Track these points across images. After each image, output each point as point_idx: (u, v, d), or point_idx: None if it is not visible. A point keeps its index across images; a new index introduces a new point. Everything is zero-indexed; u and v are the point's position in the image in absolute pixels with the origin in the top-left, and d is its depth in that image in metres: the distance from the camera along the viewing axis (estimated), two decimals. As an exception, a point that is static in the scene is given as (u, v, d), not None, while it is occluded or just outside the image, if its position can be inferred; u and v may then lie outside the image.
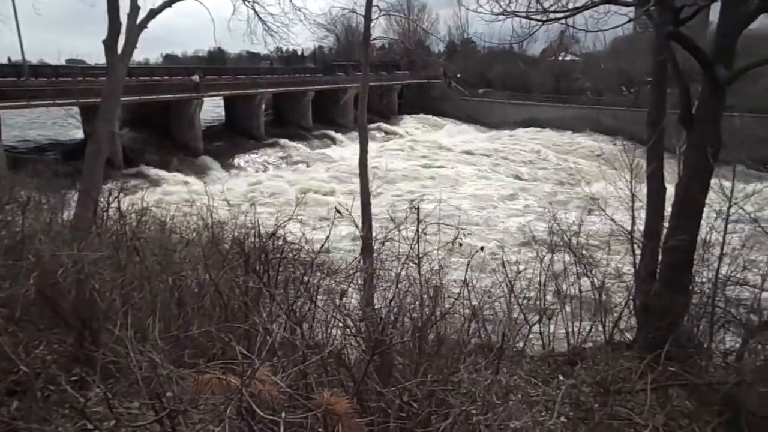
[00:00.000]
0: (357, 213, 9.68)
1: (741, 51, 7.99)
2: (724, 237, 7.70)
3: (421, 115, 59.49)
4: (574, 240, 8.30)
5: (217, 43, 72.91)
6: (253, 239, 5.32)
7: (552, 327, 7.84)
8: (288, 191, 31.23)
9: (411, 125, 56.38)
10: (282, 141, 42.95)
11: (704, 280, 8.05)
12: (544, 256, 7.84)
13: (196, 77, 38.61)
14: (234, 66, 67.21)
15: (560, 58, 63.90)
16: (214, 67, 60.17)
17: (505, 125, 55.28)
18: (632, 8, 7.58)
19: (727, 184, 7.93)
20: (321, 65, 66.45)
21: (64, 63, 50.01)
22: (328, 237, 4.98)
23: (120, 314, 3.55)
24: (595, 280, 8.09)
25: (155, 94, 34.86)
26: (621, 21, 7.74)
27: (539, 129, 53.19)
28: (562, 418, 3.56)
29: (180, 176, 32.15)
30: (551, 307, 7.54)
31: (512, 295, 6.39)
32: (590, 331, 7.96)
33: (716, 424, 5.22)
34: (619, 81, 55.27)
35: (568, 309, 8.07)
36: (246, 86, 43.91)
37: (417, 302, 3.78)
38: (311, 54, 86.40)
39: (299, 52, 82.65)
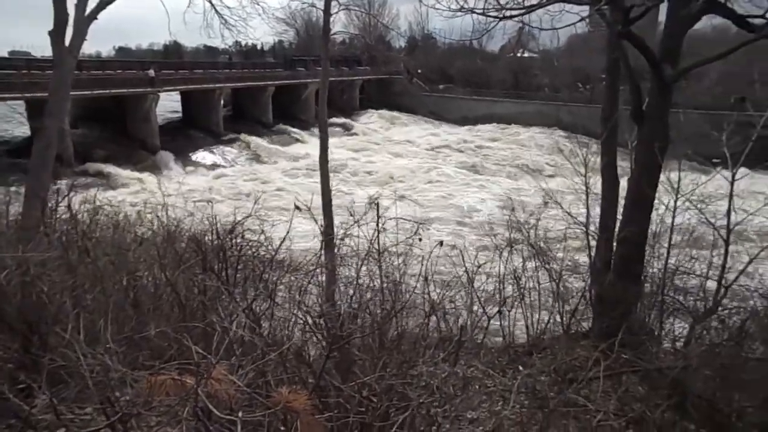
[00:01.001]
0: (319, 209, 9.65)
1: (686, 51, 8.33)
2: (671, 229, 8.03)
3: (383, 111, 59.61)
4: (532, 234, 8.48)
5: (172, 36, 70.83)
6: (210, 237, 5.22)
7: (512, 319, 8.01)
8: (247, 188, 30.78)
9: (372, 121, 56.40)
10: (242, 137, 42.27)
11: (655, 270, 8.39)
12: (503, 250, 7.98)
13: (151, 71, 37.48)
14: (191, 60, 65.53)
15: (519, 55, 65.06)
16: (171, 61, 58.45)
17: (466, 121, 56.02)
18: (585, 7, 7.78)
19: (676, 177, 8.29)
20: (281, 60, 65.59)
21: (6, 55, 47.57)
22: (287, 234, 4.94)
23: (71, 317, 3.43)
24: (553, 273, 8.30)
25: (108, 88, 33.68)
26: (575, 19, 7.97)
27: (499, 124, 54.12)
28: (518, 407, 3.65)
29: (135, 173, 31.25)
30: (510, 299, 7.69)
31: (472, 289, 6.48)
32: (548, 322, 8.17)
33: (665, 407, 5.45)
34: (575, 78, 56.78)
35: (527, 301, 8.25)
36: (204, 81, 42.95)
37: (377, 297, 3.80)
38: (271, 48, 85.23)
39: (259, 47, 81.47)
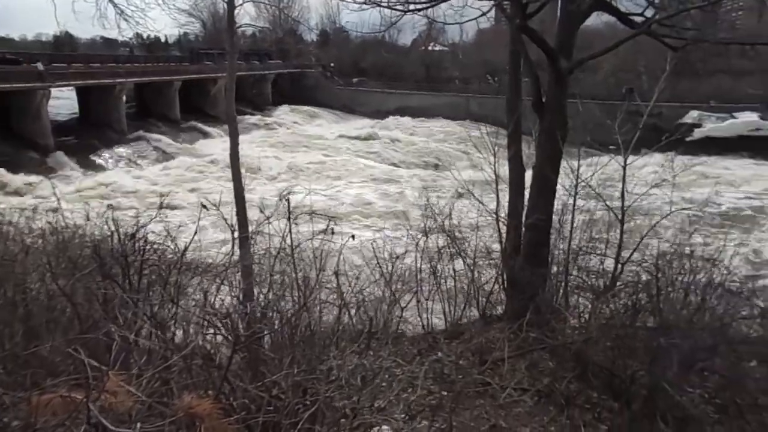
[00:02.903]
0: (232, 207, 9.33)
1: (582, 45, 8.88)
2: (573, 212, 8.53)
3: (297, 106, 58.79)
4: (446, 223, 8.71)
5: (61, 26, 65.27)
6: (111, 242, 4.88)
7: (430, 307, 8.21)
8: (154, 188, 29.18)
9: (286, 115, 55.54)
10: (147, 134, 40.09)
11: (560, 251, 8.89)
12: (419, 240, 8.14)
13: (39, 65, 34.42)
14: (87, 53, 60.84)
15: (430, 49, 66.53)
16: (63, 53, 53.99)
17: (380, 114, 56.55)
18: (487, 2, 8.05)
19: (576, 164, 8.81)
20: (188, 53, 62.69)
21: None
22: (195, 234, 4.73)
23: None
24: (468, 260, 8.58)
25: (-14, 83, 30.60)
26: (479, 14, 8.23)
27: (412, 117, 55.12)
28: (426, 392, 3.75)
29: (25, 177, 28.60)
30: (428, 287, 7.87)
31: (388, 279, 6.56)
32: (465, 307, 8.43)
33: (570, 378, 5.82)
34: (484, 70, 58.95)
35: (444, 288, 8.48)
36: (102, 75, 40.13)
37: (288, 294, 3.73)
38: (176, 41, 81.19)
39: (163, 39, 77.20)
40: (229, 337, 2.83)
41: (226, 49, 10.99)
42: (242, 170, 11.42)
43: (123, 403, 1.96)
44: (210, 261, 5.62)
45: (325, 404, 2.46)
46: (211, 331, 3.28)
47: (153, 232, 4.99)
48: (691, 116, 48.58)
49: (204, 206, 4.90)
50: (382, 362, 3.04)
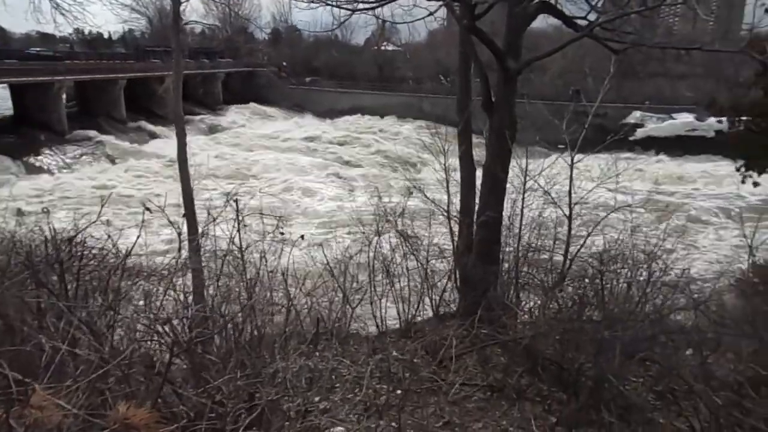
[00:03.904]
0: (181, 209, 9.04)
1: (532, 46, 9.08)
2: (522, 209, 8.71)
3: (248, 105, 57.76)
4: (399, 222, 8.73)
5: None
6: (45, 248, 4.62)
7: (384, 306, 8.21)
8: (96, 190, 27.97)
9: (237, 115, 54.48)
10: (91, 134, 38.41)
11: (511, 249, 9.06)
12: (372, 239, 8.12)
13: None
14: (22, 48, 57.68)
15: (383, 48, 66.67)
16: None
17: (333, 113, 56.35)
18: (435, 2, 8.12)
19: (525, 162, 9.00)
20: (133, 51, 60.50)
21: None
22: (138, 238, 4.55)
23: None
24: (421, 258, 8.63)
25: None
26: (429, 13, 8.30)
27: (365, 116, 55.17)
28: (372, 392, 3.74)
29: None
30: (381, 286, 7.86)
31: (339, 280, 6.51)
32: (418, 306, 8.48)
33: (520, 372, 5.95)
34: (437, 70, 59.47)
35: (397, 287, 8.49)
36: (40, 72, 38.05)
37: (236, 296, 3.64)
38: (121, 38, 78.15)
39: (106, 36, 74.17)
40: (174, 344, 2.73)
41: (173, 47, 10.64)
42: (191, 171, 11.11)
43: (51, 417, 1.85)
44: (156, 265, 5.42)
45: (269, 408, 2.40)
46: (153, 337, 3.15)
47: (93, 236, 4.76)
48: (634, 117, 50.88)
49: (147, 208, 4.72)
50: (327, 363, 3.00)
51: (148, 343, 3.18)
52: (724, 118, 21.81)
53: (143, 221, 4.65)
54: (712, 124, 40.57)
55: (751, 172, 19.89)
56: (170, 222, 4.99)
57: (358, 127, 51.76)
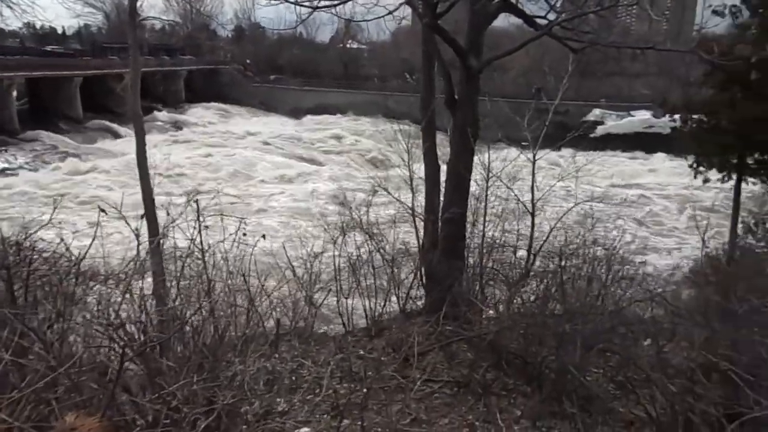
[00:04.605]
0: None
1: (494, 45, 9.18)
2: (485, 206, 8.81)
3: (211, 103, 56.67)
4: (364, 220, 8.70)
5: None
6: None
7: (351, 305, 8.17)
8: (49, 192, 26.90)
9: (199, 113, 53.37)
10: (45, 134, 36.99)
11: (476, 245, 9.16)
12: (337, 238, 8.08)
13: None
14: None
15: (348, 46, 66.44)
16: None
17: (298, 111, 55.85)
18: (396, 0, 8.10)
19: (488, 159, 9.10)
20: (90, 47, 58.49)
21: None
22: (93, 241, 4.39)
23: None
24: (386, 256, 8.63)
25: None
26: (393, 11, 8.27)
27: (331, 114, 54.89)
28: (332, 392, 3.73)
29: None
30: (347, 285, 7.83)
31: (303, 279, 6.45)
32: (385, 303, 8.47)
33: (486, 367, 6.02)
34: (402, 68, 59.55)
35: (364, 286, 8.47)
36: (-14, 68, 36.42)
37: (196, 299, 3.55)
38: (76, 33, 75.39)
39: (60, 30, 71.45)
40: (125, 349, 2.64)
41: (129, 43, 10.32)
42: (151, 171, 10.82)
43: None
44: (113, 268, 5.25)
45: (225, 412, 2.35)
46: (105, 343, 3.04)
47: (44, 240, 4.57)
48: (594, 114, 52.27)
49: (102, 210, 4.56)
50: (287, 364, 2.96)
51: (103, 349, 3.07)
52: (677, 116, 22.56)
53: (98, 223, 4.49)
54: (668, 121, 42.01)
55: (702, 168, 20.66)
56: (128, 223, 4.84)
57: (323, 125, 51.44)
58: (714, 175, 20.48)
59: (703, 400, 4.17)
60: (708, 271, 10.87)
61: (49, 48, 53.92)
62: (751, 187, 20.36)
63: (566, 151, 12.32)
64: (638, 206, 31.79)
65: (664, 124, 45.34)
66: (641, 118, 51.27)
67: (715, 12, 17.59)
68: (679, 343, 5.62)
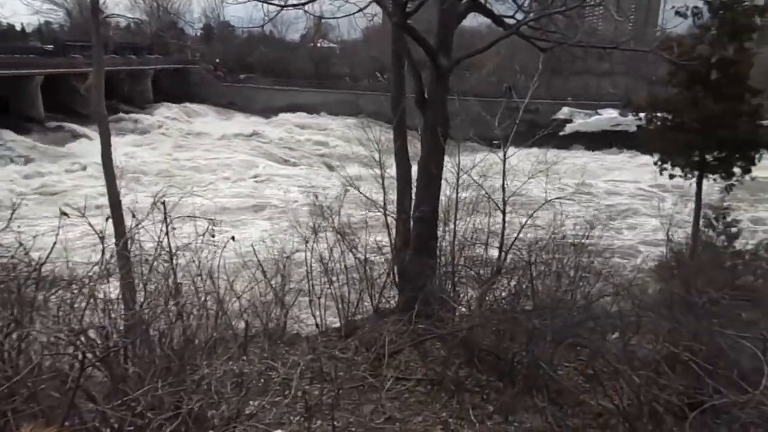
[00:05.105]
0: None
1: (466, 45, 9.23)
2: (456, 204, 8.88)
3: (180, 104, 55.59)
4: (336, 219, 8.67)
5: None
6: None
7: (324, 305, 8.14)
8: (9, 194, 25.95)
9: (168, 114, 52.33)
10: (4, 134, 35.65)
11: (447, 244, 9.21)
12: (309, 238, 8.03)
13: None
14: None
15: (319, 45, 66.07)
16: None
17: (269, 111, 55.27)
18: (366, -1, 8.09)
19: (463, 159, 9.16)
20: (52, 45, 56.69)
21: None
22: (54, 245, 4.27)
23: None
24: (359, 255, 8.61)
25: None
26: (361, 9, 8.25)
27: (302, 114, 54.52)
28: (301, 393, 3.70)
29: None
30: (320, 286, 7.79)
31: (275, 280, 6.39)
32: (358, 303, 8.46)
33: (459, 364, 6.07)
34: (374, 67, 59.61)
35: (336, 285, 8.44)
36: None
37: (163, 302, 3.48)
38: (36, 30, 72.92)
39: (19, 27, 68.98)
40: (87, 355, 2.56)
41: (92, 41, 10.05)
42: (117, 172, 10.57)
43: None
44: (77, 273, 5.10)
45: (192, 417, 2.31)
46: (66, 350, 2.95)
47: (2, 245, 4.42)
48: (563, 112, 53.24)
49: (64, 213, 4.43)
50: (254, 366, 2.93)
51: (64, 357, 2.98)
52: (642, 114, 23.15)
53: (59, 227, 4.37)
54: (634, 119, 43.07)
55: (667, 165, 21.27)
56: (91, 226, 4.71)
57: (294, 124, 51.06)
58: (678, 171, 21.11)
59: (666, 390, 4.29)
60: (672, 265, 11.21)
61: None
62: (712, 183, 21.03)
63: (537, 150, 12.49)
64: (606, 202, 32.53)
65: (631, 122, 46.53)
66: (609, 117, 52.46)
67: (677, 13, 18.14)
68: (644, 335, 5.76)
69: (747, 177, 20.16)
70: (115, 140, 11.19)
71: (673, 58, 6.45)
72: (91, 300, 3.97)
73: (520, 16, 8.40)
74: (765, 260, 13.60)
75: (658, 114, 21.53)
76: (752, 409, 3.61)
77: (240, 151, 40.73)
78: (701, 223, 17.14)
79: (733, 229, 15.23)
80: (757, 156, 20.08)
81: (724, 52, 18.78)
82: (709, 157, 20.09)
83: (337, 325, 8.26)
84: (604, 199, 33.52)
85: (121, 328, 3.30)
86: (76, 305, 3.82)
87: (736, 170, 20.08)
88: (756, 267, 12.53)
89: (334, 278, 8.23)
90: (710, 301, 4.71)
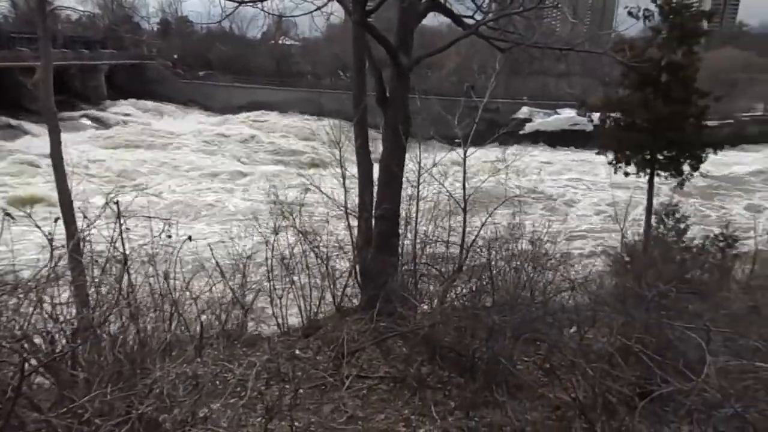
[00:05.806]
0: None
1: (427, 44, 9.27)
2: (417, 202, 8.94)
3: (136, 100, 54.02)
4: (297, 218, 8.60)
5: None
6: None
7: (286, 305, 8.06)
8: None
9: (123, 111, 50.77)
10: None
11: (409, 242, 9.26)
12: (269, 238, 7.94)
13: None
14: None
15: (280, 42, 65.29)
16: None
17: (229, 109, 54.35)
18: (325, -4, 8.03)
19: (424, 157, 9.21)
20: (-6, 36, 54.01)
21: None
22: (-3, 247, 4.07)
23: None
24: (321, 254, 8.57)
25: None
26: (321, 7, 8.18)
27: (263, 112, 53.83)
28: (257, 394, 3.66)
29: None
30: (281, 285, 7.71)
31: (237, 278, 6.29)
32: (320, 302, 8.43)
33: (421, 362, 6.11)
34: (336, 65, 59.35)
35: (298, 285, 8.38)
36: None
37: (117, 305, 3.37)
38: (-23, 21, 69.27)
39: (-41, 19, 65.42)
40: (31, 362, 2.45)
41: (39, 33, 9.63)
42: (68, 171, 10.18)
43: None
44: (24, 277, 4.88)
45: (144, 422, 2.24)
46: (6, 357, 2.81)
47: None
48: (523, 112, 54.41)
49: (8, 215, 4.22)
50: (208, 368, 2.87)
51: (3, 365, 2.83)
52: (596, 114, 23.92)
53: (1, 229, 4.17)
54: (589, 120, 44.37)
55: (621, 164, 22.05)
56: (38, 227, 4.51)
57: (254, 122, 50.33)
58: (632, 169, 21.91)
59: (619, 382, 4.44)
60: (627, 260, 11.60)
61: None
62: (662, 180, 21.92)
63: (497, 148, 12.71)
64: (564, 199, 33.41)
65: (588, 121, 47.95)
66: (567, 116, 53.87)
67: (630, 14, 18.73)
68: (600, 329, 5.93)
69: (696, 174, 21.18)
70: (64, 137, 10.74)
71: (625, 60, 6.68)
72: (39, 305, 3.81)
73: (479, 16, 8.50)
74: (711, 254, 14.27)
75: (612, 114, 22.28)
76: (696, 396, 3.79)
77: (198, 149, 39.88)
78: (653, 219, 17.84)
79: (682, 225, 15.90)
80: (703, 155, 21.07)
81: (673, 56, 19.59)
82: (659, 156, 20.93)
83: (299, 324, 8.21)
84: (562, 195, 34.40)
85: (68, 333, 3.17)
86: (22, 310, 3.66)
87: (686, 168, 21.02)
88: (703, 261, 13.12)
89: (295, 277, 8.16)
90: (660, 294, 4.89)
